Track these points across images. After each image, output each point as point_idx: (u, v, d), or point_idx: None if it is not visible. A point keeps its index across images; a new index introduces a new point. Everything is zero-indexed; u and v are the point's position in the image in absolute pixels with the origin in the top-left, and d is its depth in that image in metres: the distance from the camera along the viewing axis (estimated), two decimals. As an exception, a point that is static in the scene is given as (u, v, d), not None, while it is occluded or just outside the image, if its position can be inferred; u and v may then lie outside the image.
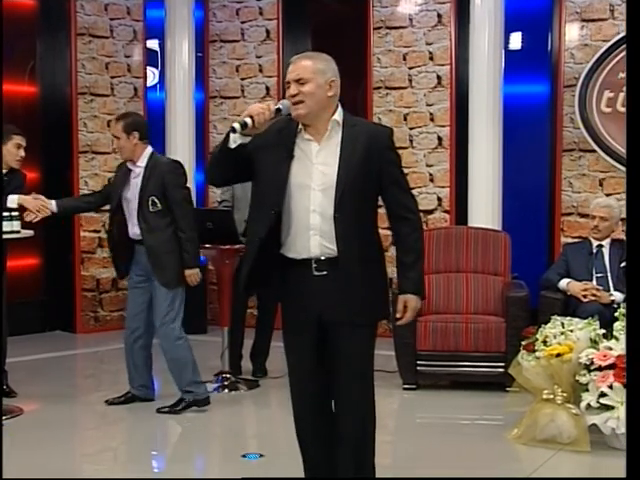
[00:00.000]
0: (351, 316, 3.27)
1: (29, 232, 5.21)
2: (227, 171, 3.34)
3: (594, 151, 7.09)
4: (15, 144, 5.43)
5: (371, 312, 3.35)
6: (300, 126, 3.31)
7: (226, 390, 5.79)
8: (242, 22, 8.28)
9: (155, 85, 8.50)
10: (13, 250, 5.86)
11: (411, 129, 7.64)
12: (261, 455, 4.50)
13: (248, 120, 3.19)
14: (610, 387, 4.40)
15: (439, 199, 7.57)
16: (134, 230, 5.21)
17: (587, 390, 4.49)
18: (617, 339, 4.57)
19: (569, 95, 7.17)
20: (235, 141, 3.23)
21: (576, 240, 6.54)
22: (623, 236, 5.94)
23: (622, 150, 6.83)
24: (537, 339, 4.77)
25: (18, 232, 5.08)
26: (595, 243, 5.85)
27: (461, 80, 7.38)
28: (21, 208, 5.18)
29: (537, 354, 4.71)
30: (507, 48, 7.26)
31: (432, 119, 7.59)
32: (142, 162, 5.20)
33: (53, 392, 5.84)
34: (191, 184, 7.01)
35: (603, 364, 4.46)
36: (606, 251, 5.82)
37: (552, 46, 7.35)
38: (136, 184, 5.18)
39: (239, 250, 5.54)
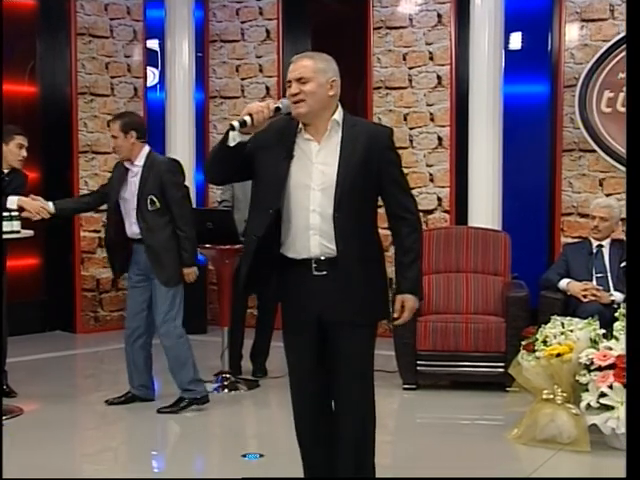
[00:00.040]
0: (351, 316, 3.27)
1: (29, 232, 5.21)
2: (226, 169, 3.34)
3: (594, 151, 7.09)
4: (17, 144, 5.44)
5: (371, 312, 3.35)
6: (300, 126, 3.31)
7: (226, 390, 5.79)
8: (242, 22, 8.27)
9: (155, 85, 8.50)
10: (13, 250, 5.87)
11: (411, 129, 7.63)
12: (261, 455, 4.50)
13: (247, 118, 3.20)
14: (610, 387, 4.40)
15: (439, 199, 7.57)
16: (132, 229, 5.22)
17: (587, 390, 4.49)
18: (617, 339, 4.57)
19: (569, 95, 7.17)
20: (234, 139, 3.24)
21: (576, 240, 6.53)
22: (623, 236, 5.94)
23: (622, 150, 6.82)
24: (537, 339, 4.77)
25: (18, 232, 5.08)
26: (595, 243, 5.85)
27: (461, 80, 7.38)
28: (20, 210, 5.18)
29: (537, 354, 4.71)
30: (507, 48, 7.26)
31: (432, 119, 7.58)
32: (140, 161, 5.20)
33: (53, 392, 5.84)
34: (191, 184, 7.03)
35: (603, 364, 4.46)
36: (606, 251, 5.82)
37: (552, 46, 7.35)
38: (134, 183, 5.19)
39: (239, 250, 5.53)
